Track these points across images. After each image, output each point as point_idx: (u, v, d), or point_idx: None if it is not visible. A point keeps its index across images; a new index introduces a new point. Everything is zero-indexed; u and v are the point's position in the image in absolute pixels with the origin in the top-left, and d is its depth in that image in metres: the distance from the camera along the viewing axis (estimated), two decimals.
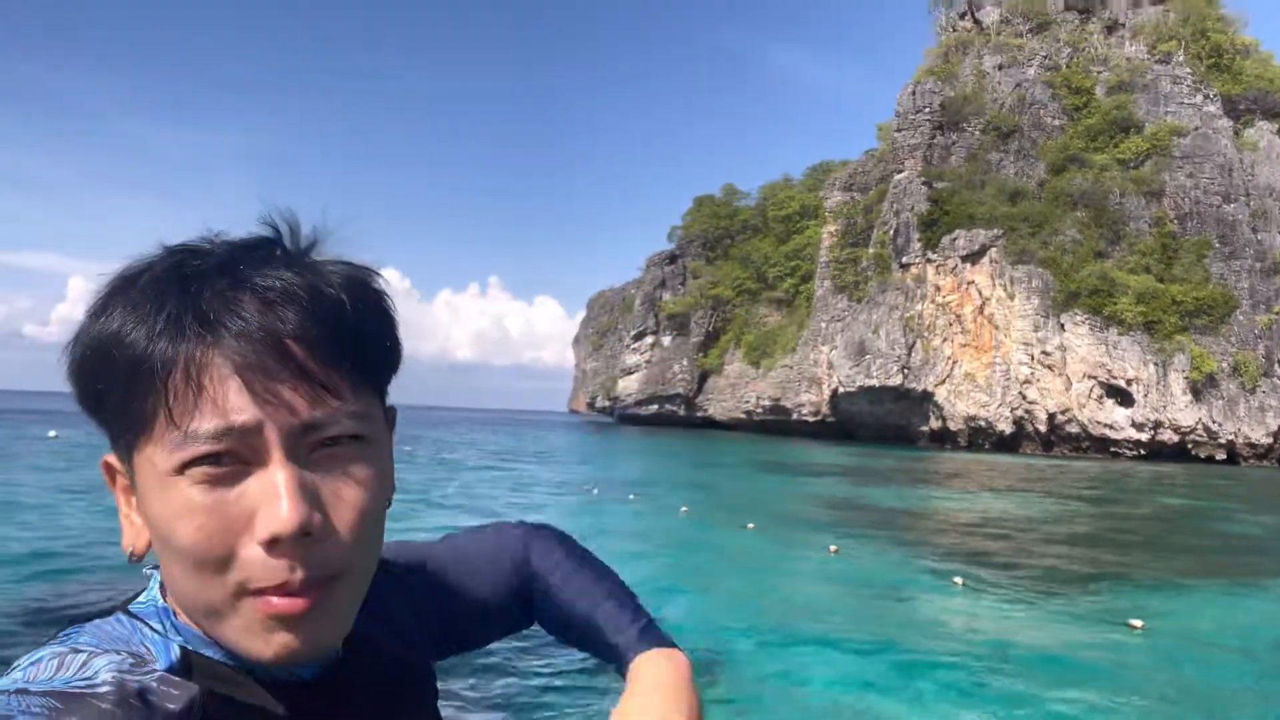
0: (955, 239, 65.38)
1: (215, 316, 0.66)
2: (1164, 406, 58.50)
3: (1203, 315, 59.34)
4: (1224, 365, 58.30)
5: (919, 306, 66.43)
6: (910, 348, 66.00)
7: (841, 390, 69.76)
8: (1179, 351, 58.37)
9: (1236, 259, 61.41)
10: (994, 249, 64.40)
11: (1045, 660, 8.55)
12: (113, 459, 0.73)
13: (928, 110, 71.90)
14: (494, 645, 1.26)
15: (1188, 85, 67.55)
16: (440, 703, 0.94)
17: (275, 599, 0.66)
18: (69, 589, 9.90)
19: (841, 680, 7.91)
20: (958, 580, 12.20)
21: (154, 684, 0.65)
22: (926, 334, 66.01)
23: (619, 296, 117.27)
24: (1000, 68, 75.33)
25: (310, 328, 0.67)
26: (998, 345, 63.55)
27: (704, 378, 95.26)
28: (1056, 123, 71.25)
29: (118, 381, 0.67)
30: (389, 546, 0.91)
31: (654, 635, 0.93)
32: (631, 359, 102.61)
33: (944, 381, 64.88)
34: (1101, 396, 60.53)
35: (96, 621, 0.72)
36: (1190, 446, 58.69)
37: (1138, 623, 9.91)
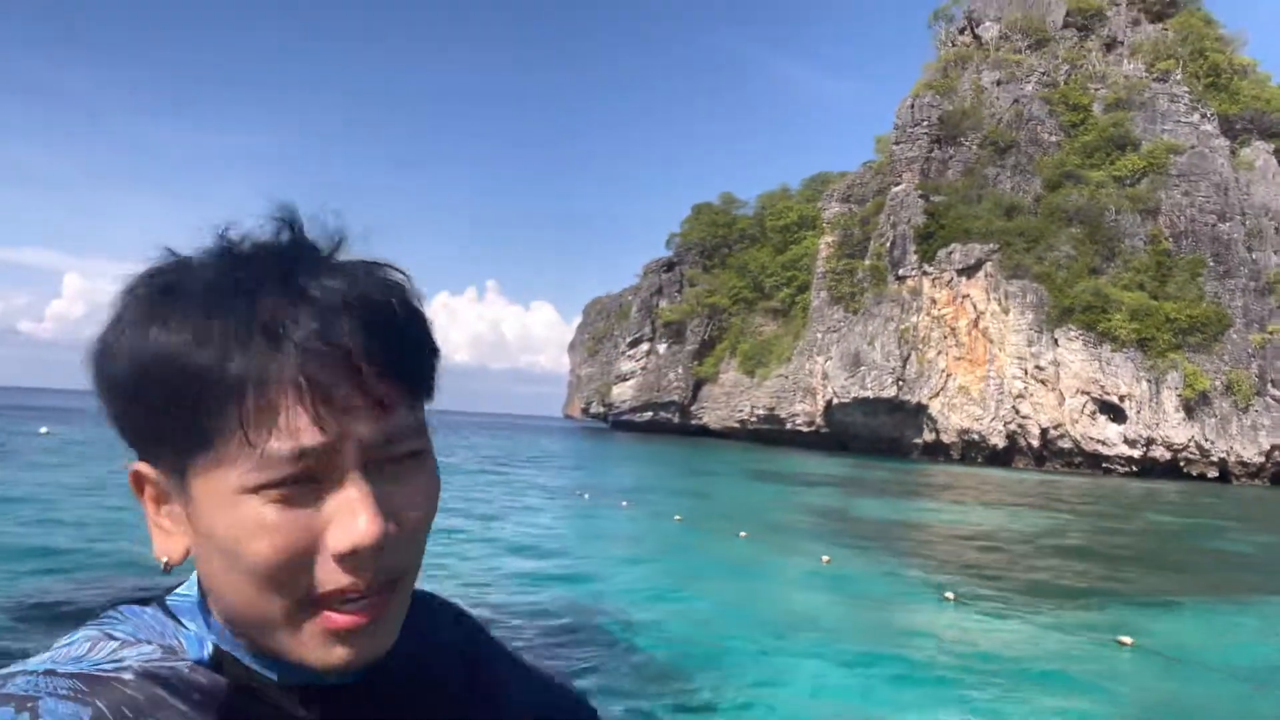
0: (951, 252, 65.60)
1: (283, 331, 0.64)
2: (1156, 423, 58.68)
3: (1196, 333, 59.50)
4: (1217, 383, 58.46)
5: (914, 319, 66.62)
6: (905, 360, 66.16)
7: (836, 401, 69.88)
8: (1172, 369, 58.57)
9: (1231, 278, 61.67)
10: (989, 263, 64.63)
11: (1034, 675, 8.61)
12: (144, 468, 0.70)
13: (926, 124, 72.19)
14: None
15: (1185, 104, 67.90)
16: None
17: (337, 615, 0.66)
18: (64, 585, 9.92)
19: (831, 691, 7.97)
20: (949, 595, 12.27)
21: (183, 674, 0.66)
22: (921, 346, 66.18)
23: (616, 303, 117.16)
24: (999, 83, 75.61)
25: (367, 340, 0.67)
26: (991, 359, 63.73)
27: (699, 386, 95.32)
28: (1053, 139, 71.56)
29: (180, 400, 0.64)
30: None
31: None
32: (627, 365, 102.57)
33: (938, 394, 65.04)
34: (1094, 412, 60.71)
35: (136, 608, 0.72)
36: (1182, 464, 58.85)
37: (1126, 639, 9.98)
